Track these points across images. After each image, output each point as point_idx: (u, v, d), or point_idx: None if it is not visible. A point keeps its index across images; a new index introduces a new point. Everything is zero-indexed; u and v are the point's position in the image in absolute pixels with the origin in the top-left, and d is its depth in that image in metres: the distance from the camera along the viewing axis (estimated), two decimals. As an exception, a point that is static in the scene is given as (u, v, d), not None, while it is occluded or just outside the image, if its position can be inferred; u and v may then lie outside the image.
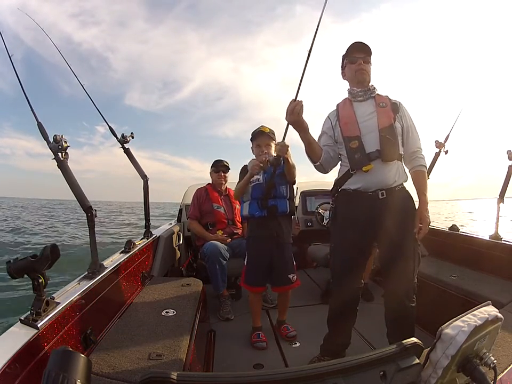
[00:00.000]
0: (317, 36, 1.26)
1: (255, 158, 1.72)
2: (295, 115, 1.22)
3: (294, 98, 1.23)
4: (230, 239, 2.22)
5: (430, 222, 1.31)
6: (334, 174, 1.47)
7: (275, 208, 1.63)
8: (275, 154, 1.54)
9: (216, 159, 2.45)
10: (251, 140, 1.75)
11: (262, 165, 1.55)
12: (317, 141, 1.42)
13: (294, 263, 1.72)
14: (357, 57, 1.35)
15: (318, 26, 1.27)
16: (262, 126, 1.73)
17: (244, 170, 1.74)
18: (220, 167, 2.41)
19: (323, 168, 1.41)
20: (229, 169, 2.43)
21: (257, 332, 1.69)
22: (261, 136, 1.69)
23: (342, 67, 1.45)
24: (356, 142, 1.31)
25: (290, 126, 1.33)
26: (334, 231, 1.43)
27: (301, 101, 1.22)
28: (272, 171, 1.58)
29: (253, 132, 1.74)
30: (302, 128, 1.28)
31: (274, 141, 1.69)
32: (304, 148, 1.38)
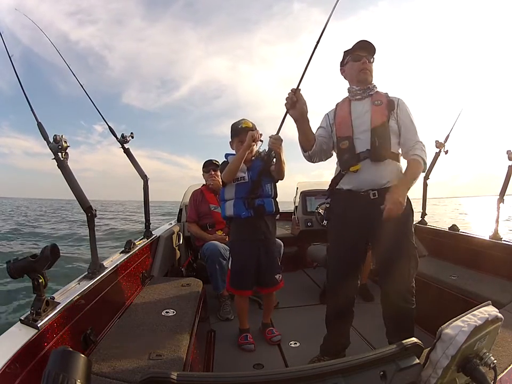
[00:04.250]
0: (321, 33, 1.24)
1: (235, 153, 1.64)
2: (297, 104, 1.19)
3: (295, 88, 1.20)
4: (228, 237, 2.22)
5: (401, 207, 1.18)
6: (331, 171, 1.48)
7: (262, 208, 1.56)
8: (265, 149, 1.51)
9: (206, 160, 2.46)
10: (232, 134, 1.65)
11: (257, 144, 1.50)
12: None
13: (280, 263, 1.69)
14: (361, 56, 1.33)
15: (323, 31, 1.24)
16: (243, 119, 1.63)
17: (226, 166, 1.61)
18: (209, 166, 2.41)
19: (310, 159, 1.40)
20: (219, 167, 2.42)
21: (245, 334, 1.66)
22: (245, 133, 1.56)
23: (342, 63, 1.43)
24: (346, 142, 1.31)
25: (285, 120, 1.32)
26: (329, 231, 1.44)
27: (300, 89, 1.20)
28: (261, 167, 1.52)
29: (235, 126, 1.63)
30: (304, 118, 1.25)
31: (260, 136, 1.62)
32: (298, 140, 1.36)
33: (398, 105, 1.33)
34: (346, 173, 1.33)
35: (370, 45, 1.34)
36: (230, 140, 1.69)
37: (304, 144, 1.36)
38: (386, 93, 1.37)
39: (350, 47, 1.37)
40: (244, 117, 1.69)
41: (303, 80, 1.23)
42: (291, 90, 1.21)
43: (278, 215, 1.70)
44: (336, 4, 1.25)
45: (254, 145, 1.55)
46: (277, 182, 1.66)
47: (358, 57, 1.33)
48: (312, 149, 1.35)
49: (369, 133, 1.29)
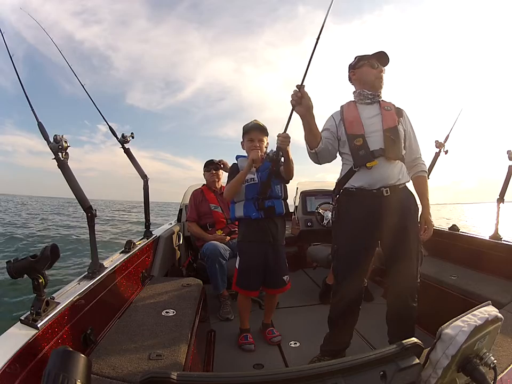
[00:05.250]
0: (320, 34, 1.25)
1: (245, 154, 1.67)
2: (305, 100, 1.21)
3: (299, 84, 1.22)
4: (228, 237, 2.22)
5: (433, 225, 1.39)
6: (334, 175, 1.47)
7: (272, 209, 1.57)
8: (273, 149, 1.49)
9: (206, 160, 2.49)
10: (242, 134, 1.68)
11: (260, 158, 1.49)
12: None
13: (287, 264, 1.69)
14: (378, 65, 1.40)
15: (322, 28, 1.25)
16: (255, 120, 1.67)
17: (234, 169, 1.66)
18: (210, 166, 2.43)
19: (317, 158, 1.38)
20: (222, 163, 2.45)
21: (245, 334, 1.67)
22: (255, 130, 1.62)
23: (354, 66, 1.44)
24: (360, 139, 1.33)
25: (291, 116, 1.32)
26: (338, 231, 1.42)
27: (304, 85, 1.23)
28: (270, 168, 1.52)
29: (246, 126, 1.66)
30: (310, 114, 1.26)
31: (267, 138, 1.65)
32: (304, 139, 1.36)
33: (404, 114, 1.42)
34: (358, 170, 1.33)
35: (387, 57, 1.40)
36: (242, 140, 1.70)
37: (310, 141, 1.35)
38: (390, 102, 1.43)
39: (359, 52, 1.43)
40: (248, 119, 1.70)
41: (307, 77, 1.24)
42: (296, 86, 1.23)
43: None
44: (332, 1, 1.27)
45: (256, 163, 1.55)
46: (287, 182, 1.66)
47: (375, 65, 1.40)
48: (319, 146, 1.34)
49: (382, 133, 1.33)
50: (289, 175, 1.60)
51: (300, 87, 1.22)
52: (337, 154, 1.44)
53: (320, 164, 1.43)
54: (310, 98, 1.23)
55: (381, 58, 1.40)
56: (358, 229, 1.32)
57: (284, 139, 1.41)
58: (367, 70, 1.40)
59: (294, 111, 1.28)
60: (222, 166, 2.44)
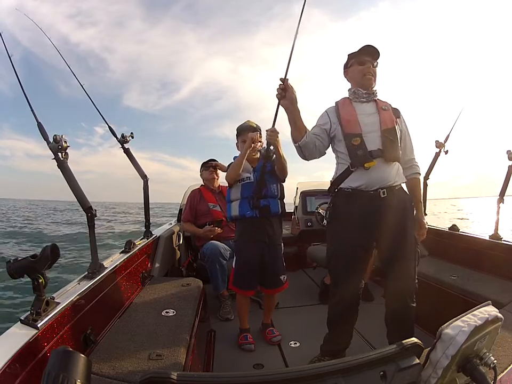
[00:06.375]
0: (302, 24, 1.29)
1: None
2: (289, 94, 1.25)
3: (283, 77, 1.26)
4: (219, 229, 2.21)
5: (426, 226, 1.45)
6: (333, 174, 1.46)
7: (267, 208, 1.57)
8: (264, 146, 1.52)
9: (204, 161, 2.51)
10: (237, 135, 1.70)
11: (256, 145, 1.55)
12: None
13: (284, 264, 1.69)
14: (366, 60, 1.36)
15: (299, 21, 1.29)
16: (248, 120, 1.69)
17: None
18: (208, 163, 2.46)
19: (301, 152, 1.36)
20: (217, 165, 2.48)
21: (245, 334, 1.67)
22: (247, 132, 1.63)
23: (346, 65, 1.44)
24: (358, 139, 1.31)
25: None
26: (334, 232, 1.40)
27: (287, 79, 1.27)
28: (263, 164, 1.52)
29: (239, 127, 1.69)
30: (294, 106, 1.28)
31: (260, 137, 1.66)
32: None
33: (400, 115, 1.41)
34: (356, 170, 1.31)
35: (375, 49, 1.35)
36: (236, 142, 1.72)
37: (295, 135, 1.34)
38: (386, 102, 1.41)
39: (354, 49, 1.39)
40: (246, 119, 1.72)
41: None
42: (280, 79, 1.26)
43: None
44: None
45: (255, 145, 1.58)
46: (283, 181, 1.66)
47: (363, 61, 1.36)
48: (302, 139, 1.33)
49: (379, 133, 1.31)
50: (282, 173, 1.60)
51: (284, 80, 1.25)
52: (331, 152, 1.43)
53: (307, 160, 1.41)
54: (293, 91, 1.26)
55: (368, 52, 1.36)
56: (356, 231, 1.31)
57: (272, 133, 1.42)
58: (355, 68, 1.38)
59: (280, 105, 1.31)
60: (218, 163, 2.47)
